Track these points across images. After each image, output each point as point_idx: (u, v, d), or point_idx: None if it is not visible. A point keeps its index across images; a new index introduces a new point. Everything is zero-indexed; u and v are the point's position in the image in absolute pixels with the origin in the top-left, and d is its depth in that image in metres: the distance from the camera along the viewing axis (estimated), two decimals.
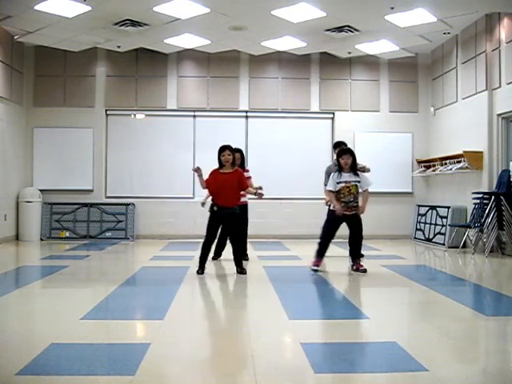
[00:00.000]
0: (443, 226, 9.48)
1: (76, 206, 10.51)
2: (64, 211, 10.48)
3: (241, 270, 6.24)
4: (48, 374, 2.83)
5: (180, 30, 8.88)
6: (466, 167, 8.85)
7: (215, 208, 6.20)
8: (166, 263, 7.44)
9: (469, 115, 9.12)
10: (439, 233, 9.61)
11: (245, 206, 7.18)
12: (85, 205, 10.53)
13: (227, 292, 5.69)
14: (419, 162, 10.77)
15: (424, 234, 10.20)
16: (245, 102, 10.89)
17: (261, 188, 6.43)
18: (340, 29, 8.75)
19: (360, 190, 6.34)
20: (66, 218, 10.47)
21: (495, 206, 7.92)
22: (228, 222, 6.26)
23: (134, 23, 8.44)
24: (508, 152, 8.48)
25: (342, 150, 6.49)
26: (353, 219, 6.30)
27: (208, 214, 6.32)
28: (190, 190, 10.73)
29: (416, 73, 11.06)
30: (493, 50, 8.51)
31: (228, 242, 6.64)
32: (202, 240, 6.31)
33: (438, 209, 9.86)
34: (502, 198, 7.87)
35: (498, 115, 8.48)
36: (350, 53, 10.37)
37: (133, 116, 11.00)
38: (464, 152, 8.80)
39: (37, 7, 7.67)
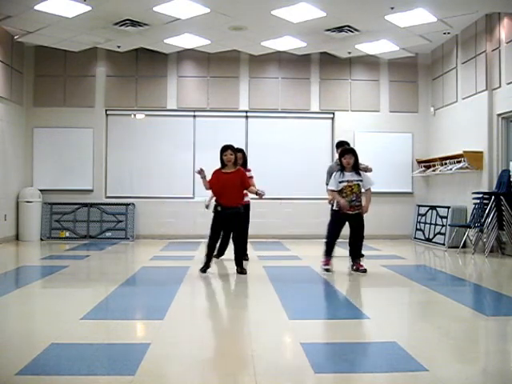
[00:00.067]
0: (443, 225, 9.48)
1: (76, 206, 10.51)
2: (64, 211, 10.48)
3: (241, 270, 6.24)
4: (48, 373, 2.83)
5: (180, 29, 8.88)
6: (466, 167, 8.85)
7: (219, 208, 6.22)
8: (166, 263, 7.43)
9: (469, 115, 9.12)
10: (439, 233, 9.61)
11: (247, 206, 7.19)
12: (85, 205, 10.53)
13: (227, 292, 5.68)
14: (419, 162, 10.77)
15: (424, 234, 10.20)
16: (245, 102, 10.89)
17: (263, 193, 6.41)
18: (340, 29, 8.75)
19: (362, 190, 6.36)
20: (65, 217, 10.47)
21: (495, 206, 7.92)
22: (232, 222, 6.28)
23: (133, 23, 8.44)
24: (508, 152, 8.48)
25: (344, 149, 6.53)
26: (356, 219, 6.33)
27: (210, 213, 6.32)
28: (190, 190, 10.73)
29: (416, 73, 11.06)
30: (493, 50, 8.51)
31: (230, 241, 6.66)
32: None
33: (438, 209, 9.86)
34: (501, 198, 7.88)
35: (498, 115, 8.48)
36: (350, 53, 10.37)
37: (133, 116, 11.00)
38: (464, 152, 8.80)
39: (37, 7, 7.67)
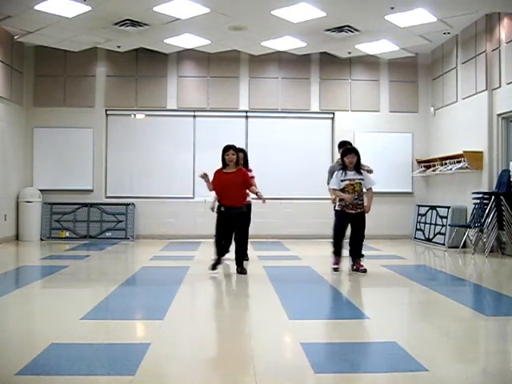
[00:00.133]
0: (443, 226, 9.48)
1: (76, 206, 10.51)
2: (64, 211, 10.48)
3: (241, 270, 6.25)
4: (48, 373, 2.83)
5: (180, 29, 8.88)
6: (466, 167, 8.85)
7: (222, 208, 6.24)
8: (166, 263, 7.44)
9: (469, 115, 9.12)
10: (439, 233, 9.61)
11: (249, 206, 7.18)
12: (85, 205, 10.53)
13: (227, 292, 5.69)
14: (419, 162, 10.77)
15: (424, 234, 10.20)
16: (245, 102, 10.89)
17: (263, 197, 6.43)
18: (340, 29, 8.75)
19: (364, 190, 6.37)
20: (65, 218, 10.47)
21: (495, 206, 7.92)
22: (235, 222, 6.29)
23: (134, 23, 8.44)
24: (508, 152, 8.48)
25: (346, 149, 6.56)
26: (358, 218, 6.35)
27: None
28: (190, 190, 10.73)
29: (416, 73, 11.06)
30: (493, 50, 8.51)
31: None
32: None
33: (437, 209, 9.86)
34: (502, 197, 7.87)
35: (498, 115, 8.48)
36: (350, 53, 10.37)
37: (133, 116, 11.00)
38: (464, 152, 8.80)
39: (37, 7, 7.67)
